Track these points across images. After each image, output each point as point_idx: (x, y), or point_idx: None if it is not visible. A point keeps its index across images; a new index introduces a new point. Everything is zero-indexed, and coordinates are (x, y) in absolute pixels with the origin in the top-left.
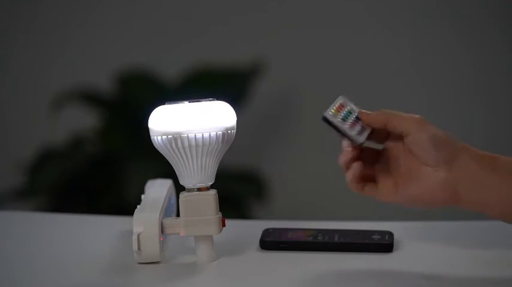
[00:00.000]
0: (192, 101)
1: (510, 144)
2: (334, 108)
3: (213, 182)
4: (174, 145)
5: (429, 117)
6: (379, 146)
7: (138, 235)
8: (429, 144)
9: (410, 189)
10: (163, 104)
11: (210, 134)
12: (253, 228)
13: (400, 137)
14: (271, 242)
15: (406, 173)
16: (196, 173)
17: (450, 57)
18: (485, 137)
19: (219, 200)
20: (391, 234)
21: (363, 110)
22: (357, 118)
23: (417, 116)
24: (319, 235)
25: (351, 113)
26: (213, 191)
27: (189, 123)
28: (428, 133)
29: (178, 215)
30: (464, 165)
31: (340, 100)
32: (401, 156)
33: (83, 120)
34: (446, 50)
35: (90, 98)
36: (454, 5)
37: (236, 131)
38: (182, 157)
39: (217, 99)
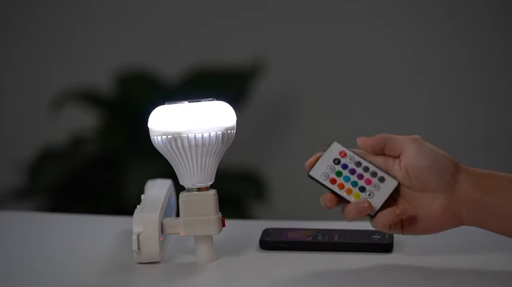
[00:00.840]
0: (192, 101)
1: (510, 144)
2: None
3: (212, 182)
4: (174, 145)
5: (430, 118)
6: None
7: (138, 235)
8: (432, 159)
9: (415, 223)
10: (163, 104)
11: (210, 134)
12: (253, 228)
13: (399, 168)
14: (271, 242)
15: (405, 203)
16: (196, 173)
17: (451, 57)
18: (485, 137)
19: (219, 200)
20: (391, 234)
21: (360, 138)
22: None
23: (415, 135)
24: (319, 235)
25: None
26: (213, 191)
27: (189, 123)
28: (428, 149)
29: (178, 215)
30: (463, 190)
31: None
32: (402, 194)
33: (83, 121)
34: (446, 50)
35: (90, 98)
36: (454, 5)
37: (236, 131)
38: (182, 157)
39: (217, 99)
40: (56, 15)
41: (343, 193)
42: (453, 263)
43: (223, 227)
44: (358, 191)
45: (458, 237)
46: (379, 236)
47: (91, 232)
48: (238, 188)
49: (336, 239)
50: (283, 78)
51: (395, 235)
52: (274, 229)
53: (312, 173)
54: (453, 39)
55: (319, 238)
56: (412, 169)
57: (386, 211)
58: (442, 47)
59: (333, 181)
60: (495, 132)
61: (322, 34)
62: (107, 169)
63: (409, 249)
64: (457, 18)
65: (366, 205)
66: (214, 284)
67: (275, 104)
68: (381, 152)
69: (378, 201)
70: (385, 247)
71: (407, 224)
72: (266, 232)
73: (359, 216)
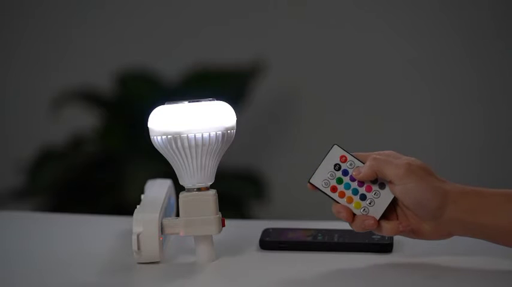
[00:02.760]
0: (192, 101)
1: (510, 143)
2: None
3: (212, 182)
4: (174, 145)
5: (430, 119)
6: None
7: (138, 235)
8: (415, 200)
9: (411, 233)
10: (163, 104)
11: (210, 134)
12: (253, 228)
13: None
14: (271, 242)
15: (402, 217)
16: (196, 173)
17: (452, 58)
18: (485, 136)
19: (219, 200)
20: None
21: (354, 172)
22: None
23: (404, 162)
24: (319, 235)
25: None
26: (213, 191)
27: (189, 123)
28: (414, 187)
29: (178, 215)
30: (452, 217)
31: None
32: (400, 204)
33: (83, 121)
34: (446, 50)
35: (90, 98)
36: (455, 5)
37: (236, 131)
38: (182, 157)
39: (217, 99)
40: (56, 15)
41: (343, 202)
42: (453, 263)
43: (223, 227)
44: (359, 200)
45: (457, 237)
46: (379, 236)
47: (91, 232)
48: (238, 188)
49: (335, 239)
50: (283, 78)
51: (395, 235)
52: (274, 229)
53: (313, 180)
54: (454, 40)
55: (319, 238)
56: (400, 200)
57: (389, 225)
58: (442, 46)
59: (334, 189)
60: (495, 132)
61: (322, 34)
62: (107, 169)
63: (409, 249)
64: (458, 19)
65: (371, 222)
66: (214, 284)
67: (275, 104)
68: (374, 179)
69: (379, 209)
70: (385, 247)
71: (405, 232)
72: (266, 232)
73: (365, 230)
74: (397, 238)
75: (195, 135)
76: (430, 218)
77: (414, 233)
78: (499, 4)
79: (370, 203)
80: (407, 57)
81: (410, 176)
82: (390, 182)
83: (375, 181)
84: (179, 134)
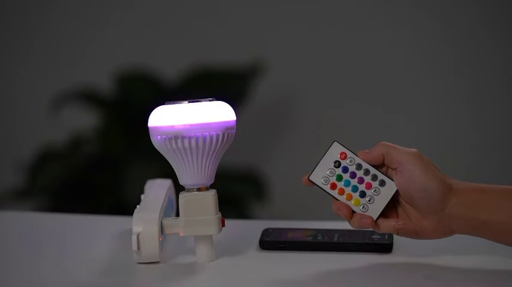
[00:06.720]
0: (192, 101)
1: (510, 141)
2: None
3: (212, 182)
4: (174, 144)
5: (430, 120)
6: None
7: (138, 235)
8: (421, 188)
9: (410, 232)
10: (163, 104)
11: (210, 134)
12: (253, 228)
13: (395, 179)
14: (270, 242)
15: (402, 216)
16: (196, 173)
17: (449, 54)
18: (487, 136)
19: (219, 200)
20: (390, 234)
21: (361, 152)
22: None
23: (413, 149)
24: (319, 234)
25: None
26: (213, 191)
27: (189, 124)
28: (420, 175)
29: (177, 215)
30: (454, 212)
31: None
32: (401, 201)
33: (83, 121)
34: (445, 48)
35: (90, 98)
36: (454, 4)
37: (236, 131)
38: (182, 157)
39: (217, 99)
40: (57, 15)
41: (343, 199)
42: (453, 263)
43: (223, 227)
44: (359, 197)
45: (458, 237)
46: (378, 236)
47: (91, 232)
48: (238, 188)
49: (335, 239)
50: (283, 78)
51: (395, 235)
52: (274, 229)
53: (313, 177)
54: (451, 38)
55: (319, 238)
56: (404, 189)
57: (386, 223)
58: (440, 45)
59: (333, 186)
60: (495, 131)
61: (321, 34)
62: (107, 169)
63: (409, 249)
64: (455, 18)
65: (368, 221)
66: (214, 284)
67: (275, 104)
68: (380, 163)
69: (378, 206)
70: (385, 247)
71: (402, 231)
72: (266, 232)
73: (362, 228)
74: (397, 238)
75: (195, 135)
76: (432, 210)
77: (415, 233)
78: (499, 4)
79: (369, 201)
80: (407, 56)
81: (419, 162)
82: (396, 169)
83: (375, 177)
84: (179, 134)
